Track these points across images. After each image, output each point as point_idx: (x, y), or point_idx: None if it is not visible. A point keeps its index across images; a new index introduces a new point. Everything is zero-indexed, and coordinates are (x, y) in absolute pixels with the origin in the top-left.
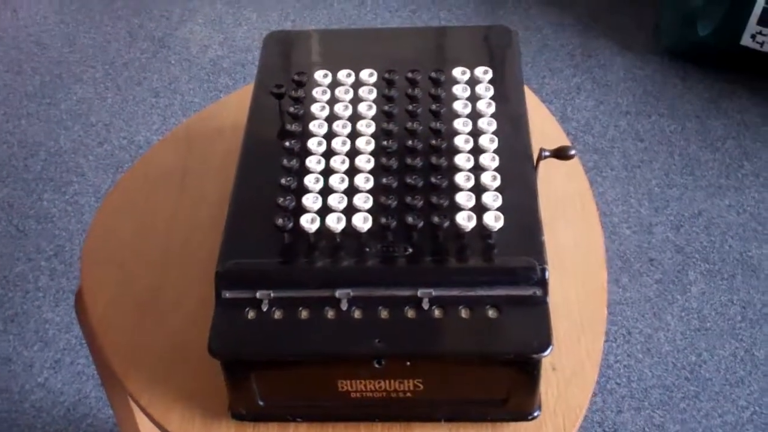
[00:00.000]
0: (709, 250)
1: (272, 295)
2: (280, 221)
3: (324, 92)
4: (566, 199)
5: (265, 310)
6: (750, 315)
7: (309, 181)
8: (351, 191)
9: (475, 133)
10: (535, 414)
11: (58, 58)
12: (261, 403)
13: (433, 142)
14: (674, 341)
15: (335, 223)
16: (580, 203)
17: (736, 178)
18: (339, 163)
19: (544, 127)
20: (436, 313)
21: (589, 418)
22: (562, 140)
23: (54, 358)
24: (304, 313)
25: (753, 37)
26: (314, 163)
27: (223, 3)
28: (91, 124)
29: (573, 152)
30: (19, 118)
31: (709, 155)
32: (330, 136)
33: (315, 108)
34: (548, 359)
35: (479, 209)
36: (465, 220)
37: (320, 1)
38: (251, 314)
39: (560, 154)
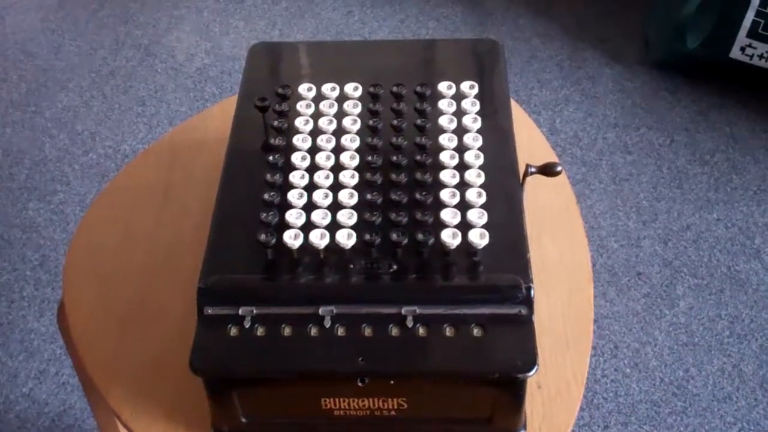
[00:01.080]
0: (697, 264)
1: (255, 311)
2: (263, 237)
3: (308, 106)
4: (553, 214)
5: (247, 326)
6: (738, 330)
7: (292, 196)
8: (335, 207)
9: (461, 149)
10: None
11: (44, 66)
12: (244, 420)
13: (418, 157)
14: (662, 356)
15: (319, 239)
16: (566, 218)
17: (725, 192)
18: (323, 178)
19: (532, 142)
20: (421, 331)
21: None
22: (549, 156)
23: (39, 368)
24: (287, 330)
25: (742, 49)
26: (298, 178)
27: (210, 11)
28: (76, 132)
29: (559, 169)
30: (4, 126)
31: (697, 168)
32: (314, 150)
33: (299, 122)
34: (533, 378)
35: (464, 226)
36: (450, 238)
37: (308, 10)
38: (233, 331)
39: (547, 170)
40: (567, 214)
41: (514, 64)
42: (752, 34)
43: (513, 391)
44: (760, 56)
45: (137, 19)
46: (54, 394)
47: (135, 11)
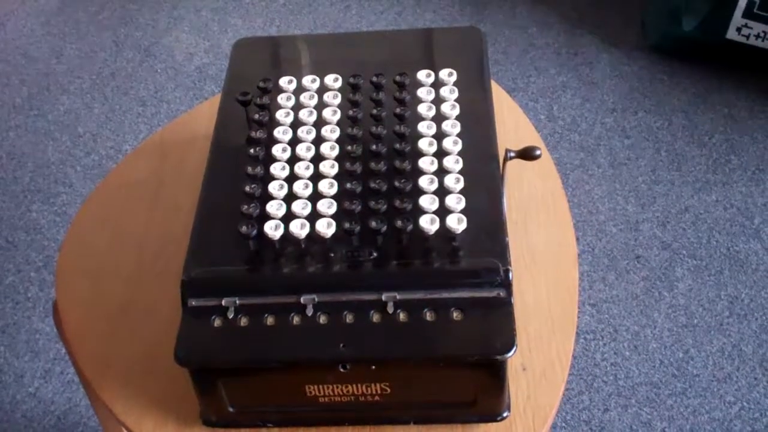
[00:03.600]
0: (696, 245)
1: (238, 302)
2: (244, 228)
3: (289, 98)
4: (538, 199)
5: (231, 317)
6: (737, 310)
7: (273, 187)
8: (315, 197)
9: (439, 136)
10: (504, 414)
11: (45, 69)
12: (231, 409)
13: (397, 145)
14: (661, 338)
15: (299, 229)
16: (552, 203)
17: (724, 173)
18: (303, 169)
19: (518, 128)
20: (401, 316)
21: (576, 417)
22: (535, 141)
23: (44, 368)
24: (269, 320)
25: (738, 30)
26: (278, 169)
27: (209, 10)
28: (78, 134)
29: (539, 152)
30: (7, 130)
31: (696, 150)
32: (294, 142)
33: (280, 114)
34: (518, 360)
35: (442, 212)
36: (428, 223)
37: (305, 5)
38: (217, 322)
39: (526, 154)
40: (553, 199)
41: (512, 53)
42: (748, 14)
43: (494, 373)
44: (757, 36)
45: (137, 20)
46: (59, 393)
47: (134, 13)
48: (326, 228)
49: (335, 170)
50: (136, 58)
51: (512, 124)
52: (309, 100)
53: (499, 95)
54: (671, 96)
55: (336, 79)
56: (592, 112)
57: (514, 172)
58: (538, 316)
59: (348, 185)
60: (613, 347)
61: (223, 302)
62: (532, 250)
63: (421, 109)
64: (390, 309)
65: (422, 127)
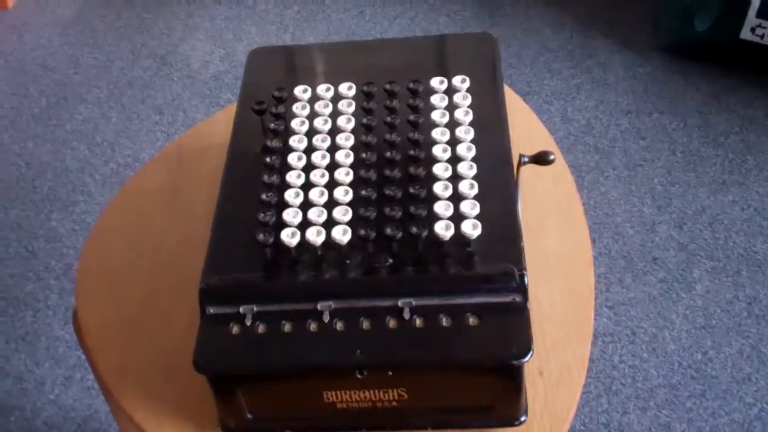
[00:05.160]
0: (713, 246)
1: (255, 309)
2: (261, 236)
3: (304, 107)
4: (553, 202)
5: (248, 324)
6: (756, 311)
7: (289, 195)
8: (331, 204)
9: (453, 142)
10: (522, 419)
11: (63, 79)
12: (249, 416)
13: (412, 152)
14: (679, 340)
15: (315, 236)
16: (566, 207)
17: (740, 173)
18: (318, 176)
19: (531, 134)
20: (417, 322)
21: (595, 420)
22: (549, 146)
23: (65, 375)
24: (287, 327)
25: (753, 30)
26: (294, 177)
27: (223, 18)
28: (96, 143)
29: (552, 157)
30: (26, 140)
31: (711, 151)
32: (310, 150)
33: (295, 123)
34: (534, 364)
35: (457, 218)
36: (443, 230)
37: (319, 12)
38: (235, 329)
39: (540, 159)
40: (567, 203)
41: (525, 56)
42: (762, 13)
43: (511, 378)
44: None
45: (152, 29)
46: (79, 400)
47: (150, 22)
48: (342, 235)
49: (350, 178)
50: (153, 66)
51: (525, 128)
52: (323, 108)
53: (512, 99)
54: (686, 97)
55: (350, 87)
56: (606, 114)
57: (529, 177)
58: (554, 320)
59: (363, 192)
60: (631, 349)
61: (241, 309)
62: (547, 255)
63: (435, 115)
64: (406, 315)
65: (436, 133)
